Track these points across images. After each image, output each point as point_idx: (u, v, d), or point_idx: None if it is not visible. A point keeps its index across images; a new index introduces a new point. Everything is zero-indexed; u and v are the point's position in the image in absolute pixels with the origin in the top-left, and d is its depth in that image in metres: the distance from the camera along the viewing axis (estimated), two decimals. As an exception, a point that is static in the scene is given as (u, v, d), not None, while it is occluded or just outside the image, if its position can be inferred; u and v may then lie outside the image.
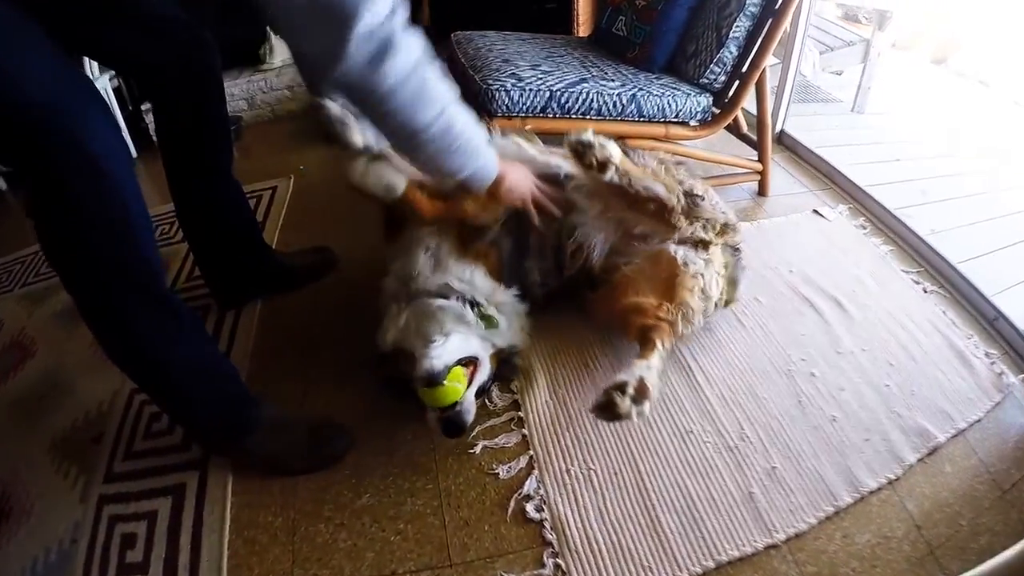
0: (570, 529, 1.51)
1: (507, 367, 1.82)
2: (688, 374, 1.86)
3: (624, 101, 2.35)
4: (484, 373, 1.69)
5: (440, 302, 1.71)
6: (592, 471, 1.64)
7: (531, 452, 1.70)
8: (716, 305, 1.82)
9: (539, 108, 2.30)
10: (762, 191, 2.73)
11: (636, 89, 2.38)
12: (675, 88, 2.44)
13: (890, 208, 2.52)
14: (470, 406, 1.61)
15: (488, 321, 1.73)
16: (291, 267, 2.39)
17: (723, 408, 1.74)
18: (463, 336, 1.68)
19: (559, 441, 1.72)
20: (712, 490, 1.52)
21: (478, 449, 1.72)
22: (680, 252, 1.75)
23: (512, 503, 1.58)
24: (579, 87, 2.35)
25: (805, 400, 1.70)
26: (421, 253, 1.82)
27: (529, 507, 1.57)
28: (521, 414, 1.80)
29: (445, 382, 1.55)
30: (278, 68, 3.68)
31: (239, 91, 3.63)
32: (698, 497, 1.51)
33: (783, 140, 3.10)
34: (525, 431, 1.76)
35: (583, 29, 3.26)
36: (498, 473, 1.66)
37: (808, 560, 1.40)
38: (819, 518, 1.44)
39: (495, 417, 1.81)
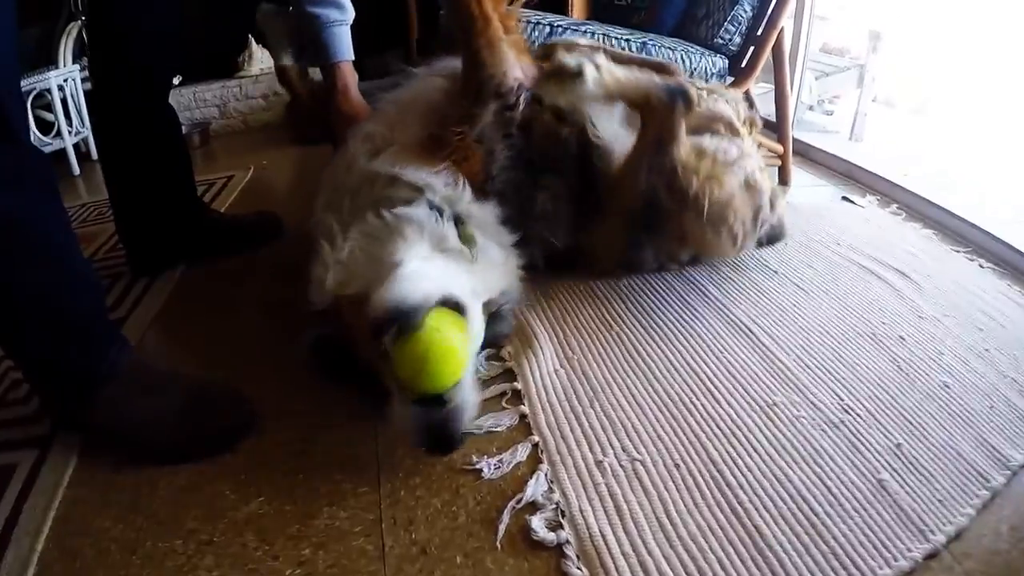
0: (614, 557, 0.76)
1: (498, 324, 1.09)
2: (750, 336, 1.18)
3: (634, 49, 1.77)
4: (477, 336, 0.96)
5: (401, 210, 0.99)
6: (637, 462, 0.90)
7: (535, 438, 0.96)
8: (772, 208, 1.31)
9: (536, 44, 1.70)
10: (783, 179, 2.17)
11: (647, 38, 1.82)
12: (688, 46, 1.91)
13: (925, 195, 1.96)
14: (471, 397, 0.88)
15: (470, 242, 1.01)
16: (226, 227, 1.69)
17: (808, 376, 1.06)
18: (448, 265, 0.97)
19: (580, 422, 0.98)
20: (826, 481, 0.86)
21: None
22: (706, 141, 1.25)
23: (506, 517, 0.83)
24: (583, 27, 1.77)
25: (904, 365, 1.08)
26: (360, 145, 1.14)
27: (536, 523, 0.81)
28: (517, 386, 1.06)
29: (428, 330, 0.82)
30: (255, 76, 3.07)
31: (211, 96, 3.01)
32: (809, 493, 0.84)
33: (793, 145, 2.53)
34: (525, 408, 1.01)
35: (577, 12, 2.73)
36: (480, 470, 0.91)
37: (981, 569, 0.75)
38: (976, 507, 0.83)
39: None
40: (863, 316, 1.22)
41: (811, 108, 3.26)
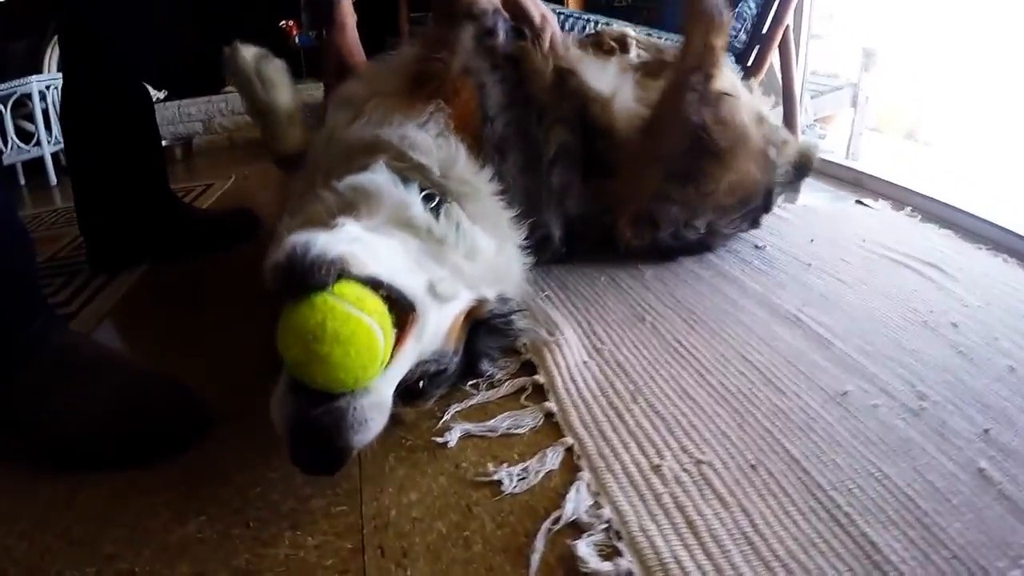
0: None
1: (499, 336, 0.84)
2: (800, 325, 0.96)
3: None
4: (426, 340, 0.70)
5: (352, 179, 0.76)
6: (704, 464, 0.66)
7: (568, 440, 0.71)
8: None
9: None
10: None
11: (652, 30, 1.67)
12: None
13: (938, 198, 1.79)
14: (378, 406, 0.62)
15: (449, 222, 0.77)
16: (198, 222, 1.44)
17: (873, 363, 0.86)
18: (401, 243, 0.72)
19: (624, 419, 0.74)
20: (925, 474, 0.66)
21: (452, 439, 0.72)
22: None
23: (540, 543, 0.58)
24: (584, 15, 1.60)
25: (965, 351, 0.90)
26: (338, 113, 0.93)
27: (584, 549, 0.56)
28: (539, 379, 0.81)
29: (336, 297, 0.58)
30: (243, 91, 2.86)
31: (196, 111, 2.80)
32: (911, 488, 0.64)
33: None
34: (551, 405, 0.76)
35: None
36: (499, 481, 0.66)
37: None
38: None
39: (490, 389, 0.81)
40: (909, 305, 1.03)
41: (803, 132, 3.14)
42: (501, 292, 0.82)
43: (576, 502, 0.61)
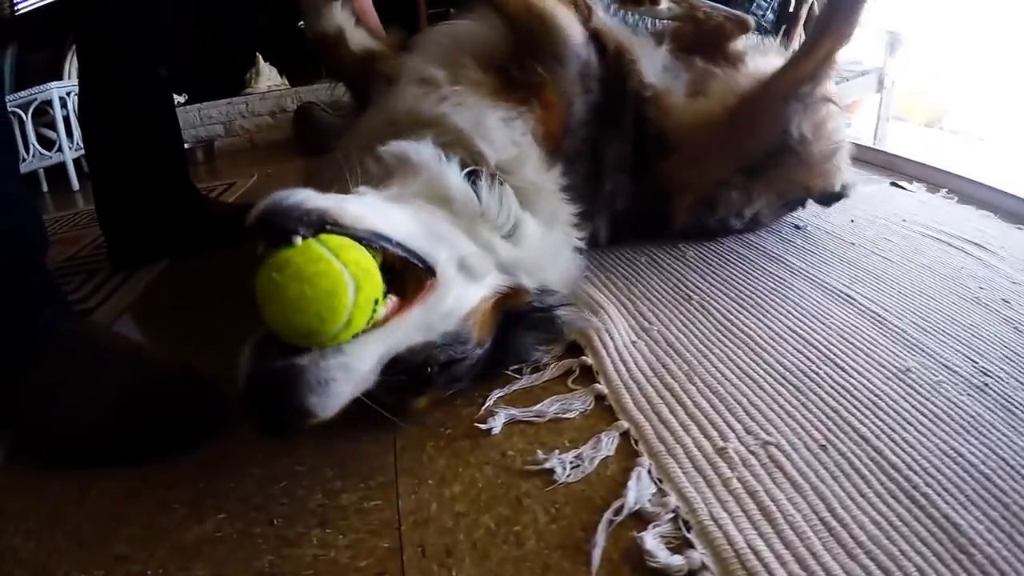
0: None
1: (538, 331, 0.75)
2: (852, 302, 0.88)
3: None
4: (438, 315, 0.62)
5: (395, 145, 0.71)
6: (771, 446, 0.59)
7: (623, 424, 0.63)
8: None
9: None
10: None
11: None
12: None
13: (976, 179, 1.67)
14: (346, 369, 0.54)
15: (489, 195, 0.71)
16: (222, 215, 1.38)
17: (931, 340, 0.79)
18: (422, 213, 0.66)
19: (681, 401, 0.67)
20: (999, 451, 0.59)
21: (497, 425, 0.64)
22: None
23: (601, 536, 0.50)
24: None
25: (1021, 327, 0.84)
26: (416, 89, 0.85)
27: (651, 541, 0.48)
28: (586, 360, 0.74)
29: (320, 249, 0.52)
30: (262, 93, 2.83)
31: (217, 113, 2.77)
32: (987, 467, 0.57)
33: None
34: (601, 387, 0.68)
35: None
36: (551, 470, 0.58)
37: None
38: None
39: (534, 372, 0.73)
40: (958, 282, 0.96)
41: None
42: (543, 283, 0.74)
43: (638, 490, 0.53)
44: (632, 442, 0.60)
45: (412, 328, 0.59)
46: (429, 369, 0.62)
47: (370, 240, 0.55)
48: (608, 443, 0.60)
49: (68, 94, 2.44)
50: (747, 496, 0.53)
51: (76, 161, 2.53)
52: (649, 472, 0.55)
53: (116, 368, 0.70)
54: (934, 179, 1.74)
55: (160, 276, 1.27)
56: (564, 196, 0.81)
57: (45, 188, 2.59)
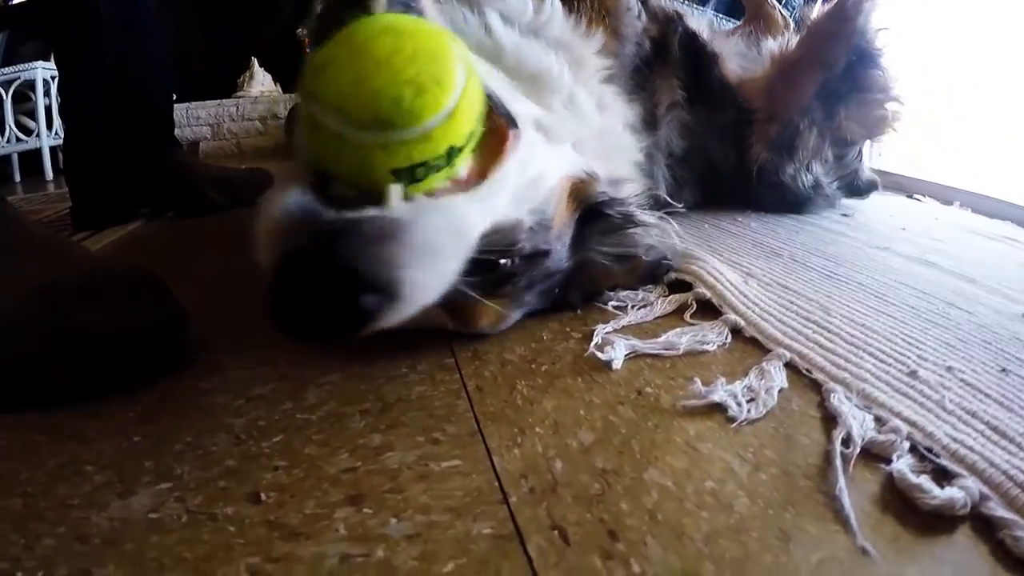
0: None
1: (616, 231, 0.58)
2: (938, 268, 0.77)
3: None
4: (527, 182, 0.46)
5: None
6: (955, 370, 0.45)
7: (784, 353, 0.48)
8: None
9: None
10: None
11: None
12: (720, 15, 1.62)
13: (988, 194, 1.64)
14: (454, 233, 0.38)
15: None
16: (204, 177, 1.19)
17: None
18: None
19: (831, 331, 0.51)
20: None
21: (617, 357, 0.47)
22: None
23: (839, 480, 0.33)
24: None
25: None
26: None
27: (910, 475, 0.33)
28: (703, 293, 0.58)
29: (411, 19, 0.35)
30: (254, 97, 2.64)
31: (205, 114, 2.55)
32: None
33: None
34: (734, 318, 0.53)
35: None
36: (719, 407, 0.41)
37: None
38: None
39: (641, 309, 0.57)
40: (1017, 261, 0.87)
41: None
42: (611, 172, 0.59)
43: (853, 421, 0.37)
44: (804, 370, 0.45)
45: (509, 186, 0.43)
46: (510, 261, 0.45)
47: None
48: (775, 373, 0.44)
49: (52, 78, 2.20)
50: (971, 417, 0.39)
51: (52, 151, 2.27)
52: (849, 399, 0.40)
53: (45, 259, 0.48)
54: (943, 195, 1.70)
55: (125, 240, 1.04)
56: (607, 74, 0.66)
57: (18, 178, 2.30)
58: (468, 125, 0.36)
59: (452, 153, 0.36)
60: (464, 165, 0.39)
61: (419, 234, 0.35)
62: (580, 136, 0.57)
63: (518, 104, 0.49)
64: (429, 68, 0.33)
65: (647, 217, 0.59)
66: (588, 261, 0.55)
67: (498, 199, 0.42)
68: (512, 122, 0.45)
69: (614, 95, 0.67)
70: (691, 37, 0.86)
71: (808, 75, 0.88)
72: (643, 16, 0.76)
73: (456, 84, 0.34)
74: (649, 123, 0.78)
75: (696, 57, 0.86)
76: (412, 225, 0.34)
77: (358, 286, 0.33)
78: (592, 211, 0.55)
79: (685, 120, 0.84)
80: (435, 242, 0.35)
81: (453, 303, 0.44)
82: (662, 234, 0.60)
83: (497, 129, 0.43)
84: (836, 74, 0.88)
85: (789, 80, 0.88)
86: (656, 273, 0.61)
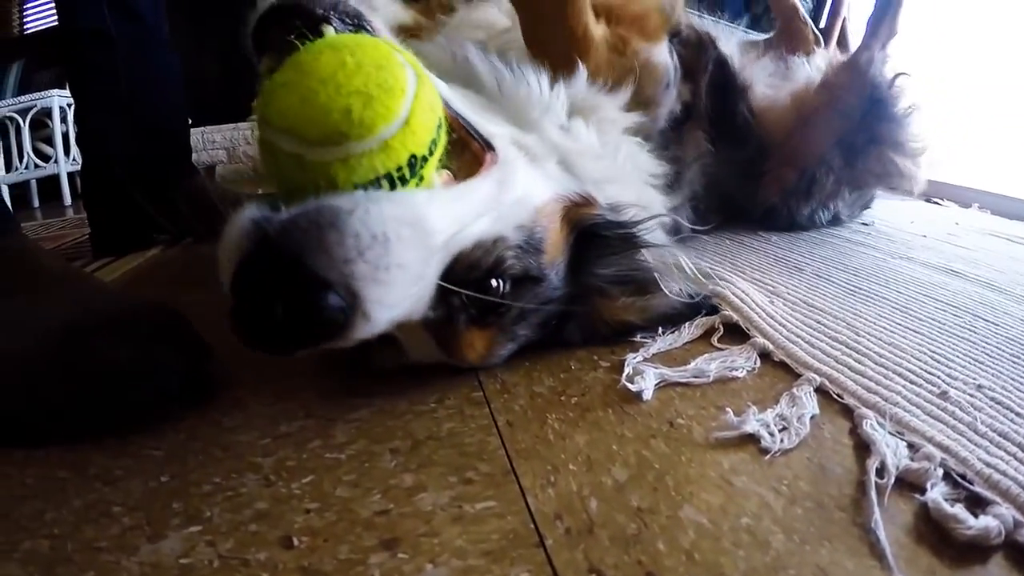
0: None
1: (613, 254, 0.55)
2: (964, 278, 0.75)
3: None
4: (508, 201, 0.46)
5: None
6: (985, 389, 0.44)
7: (813, 378, 0.47)
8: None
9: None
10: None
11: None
12: (755, 34, 1.59)
13: (1008, 194, 1.61)
14: (410, 224, 0.36)
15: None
16: (224, 202, 1.18)
17: None
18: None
19: (860, 351, 0.51)
20: None
21: (647, 387, 0.47)
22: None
23: (874, 512, 0.33)
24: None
25: None
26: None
27: (943, 503, 0.32)
28: (730, 316, 0.58)
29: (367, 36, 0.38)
30: (267, 119, 2.67)
31: (221, 138, 2.59)
32: None
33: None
34: (762, 341, 0.53)
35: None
36: (752, 438, 0.41)
37: None
38: None
39: (669, 335, 0.57)
40: None
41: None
42: (613, 199, 0.57)
43: (887, 449, 0.37)
44: (835, 395, 0.44)
45: (482, 203, 0.43)
46: (499, 282, 0.45)
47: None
48: (807, 401, 0.43)
49: (69, 106, 2.24)
50: (1003, 439, 0.38)
51: (70, 177, 2.31)
52: (881, 425, 0.39)
53: (63, 295, 0.49)
54: (962, 197, 1.67)
55: (145, 265, 1.06)
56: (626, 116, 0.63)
57: (36, 204, 2.35)
58: (427, 133, 0.36)
59: (415, 163, 0.35)
60: (437, 182, 0.39)
61: (366, 221, 0.33)
62: (572, 157, 0.55)
63: (493, 126, 0.49)
64: (375, 77, 0.33)
65: (650, 238, 0.57)
66: (586, 288, 0.53)
67: (464, 205, 0.41)
68: (488, 145, 0.45)
69: (623, 113, 0.64)
70: (721, 66, 0.84)
71: (826, 125, 0.88)
72: (676, 77, 0.72)
73: (407, 91, 0.34)
74: (675, 177, 0.74)
75: (724, 91, 0.84)
76: (356, 212, 0.33)
77: (307, 280, 0.32)
78: (589, 235, 0.53)
79: (708, 163, 0.83)
80: (387, 231, 0.34)
81: (439, 328, 0.44)
82: (691, 275, 0.57)
83: (474, 154, 0.44)
84: (853, 125, 0.88)
85: (807, 129, 0.88)
86: (684, 316, 0.57)
